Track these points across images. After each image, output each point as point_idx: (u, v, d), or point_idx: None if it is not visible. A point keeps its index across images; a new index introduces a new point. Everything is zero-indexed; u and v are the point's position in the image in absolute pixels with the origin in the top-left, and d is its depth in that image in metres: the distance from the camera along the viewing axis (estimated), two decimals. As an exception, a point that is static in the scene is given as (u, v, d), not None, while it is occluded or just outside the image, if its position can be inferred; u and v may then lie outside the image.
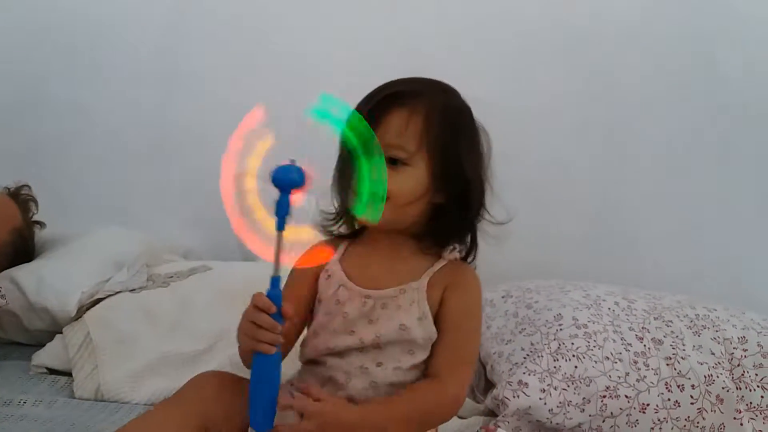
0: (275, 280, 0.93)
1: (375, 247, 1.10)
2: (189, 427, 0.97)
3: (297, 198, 0.91)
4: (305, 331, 1.12)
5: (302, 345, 1.09)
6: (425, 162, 1.03)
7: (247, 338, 0.92)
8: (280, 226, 0.91)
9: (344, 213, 1.10)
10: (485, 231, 1.10)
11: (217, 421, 0.99)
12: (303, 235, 0.96)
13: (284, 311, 0.92)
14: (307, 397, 0.94)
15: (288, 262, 0.95)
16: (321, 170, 1.04)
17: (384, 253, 1.08)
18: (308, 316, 1.11)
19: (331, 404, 0.96)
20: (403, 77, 1.08)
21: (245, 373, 0.99)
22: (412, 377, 1.05)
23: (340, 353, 1.05)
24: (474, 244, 1.10)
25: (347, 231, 1.13)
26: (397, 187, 1.01)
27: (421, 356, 1.04)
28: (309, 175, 0.91)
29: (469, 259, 1.11)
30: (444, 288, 1.05)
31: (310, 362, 1.09)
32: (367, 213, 0.95)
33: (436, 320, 1.05)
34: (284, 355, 1.08)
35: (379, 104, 1.03)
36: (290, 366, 1.09)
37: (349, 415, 0.96)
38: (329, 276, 1.09)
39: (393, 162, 1.01)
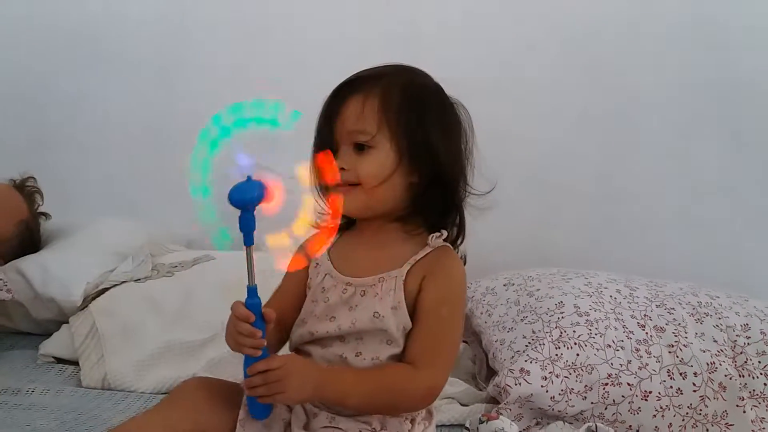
0: (251, 290, 0.94)
1: (362, 236, 1.09)
2: None
3: (270, 207, 0.91)
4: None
5: (291, 333, 1.10)
6: (389, 141, 1.02)
7: (233, 343, 0.96)
8: (249, 242, 0.92)
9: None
10: (469, 203, 1.08)
11: (206, 426, 0.99)
12: (281, 242, 0.96)
13: (266, 316, 0.94)
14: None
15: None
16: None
17: (370, 242, 1.08)
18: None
19: (297, 361, 0.98)
20: (366, 68, 1.07)
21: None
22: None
23: (322, 342, 1.05)
24: (462, 224, 1.09)
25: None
26: (364, 171, 1.01)
27: (399, 347, 1.03)
28: (269, 186, 0.90)
29: (459, 241, 1.10)
30: (423, 276, 1.04)
31: (297, 351, 1.09)
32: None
33: (414, 309, 1.03)
34: (282, 343, 1.10)
35: (335, 96, 1.04)
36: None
37: (314, 373, 0.97)
38: (317, 265, 1.10)
39: (359, 148, 1.02)
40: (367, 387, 0.99)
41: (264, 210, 0.91)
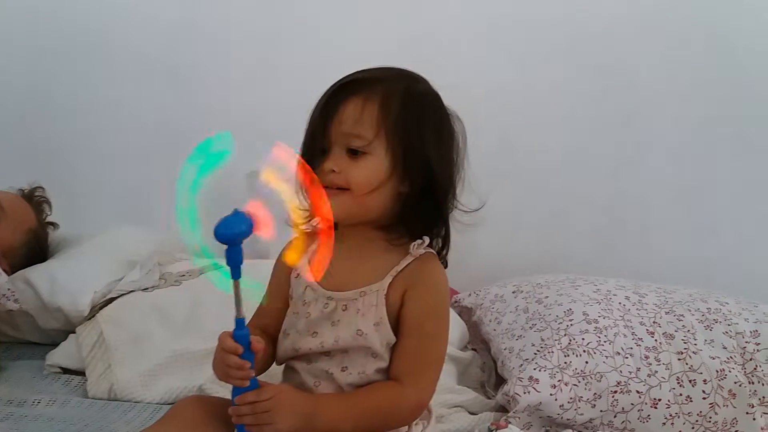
0: (239, 322, 0.93)
1: (345, 244, 1.04)
2: None
3: (264, 233, 0.89)
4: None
5: (277, 344, 1.08)
6: (385, 149, 1.00)
7: (220, 374, 0.95)
8: (236, 276, 0.90)
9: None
10: (456, 219, 1.06)
11: None
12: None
13: (253, 347, 0.93)
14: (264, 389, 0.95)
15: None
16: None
17: (353, 252, 1.05)
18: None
19: (287, 392, 0.97)
20: (368, 67, 1.06)
21: None
22: (380, 381, 1.03)
23: (307, 358, 1.04)
24: (447, 236, 1.07)
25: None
26: (356, 178, 0.99)
27: (385, 361, 1.02)
28: (256, 219, 0.88)
29: (444, 252, 1.08)
30: (405, 290, 1.02)
31: (286, 367, 1.09)
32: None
33: (397, 322, 1.02)
34: (268, 356, 1.08)
35: (334, 95, 1.01)
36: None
37: (303, 405, 0.96)
38: (298, 275, 1.08)
39: (353, 153, 1.00)
40: (357, 412, 0.98)
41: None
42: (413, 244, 1.03)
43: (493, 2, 2.16)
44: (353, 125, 1.00)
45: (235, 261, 0.90)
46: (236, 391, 0.94)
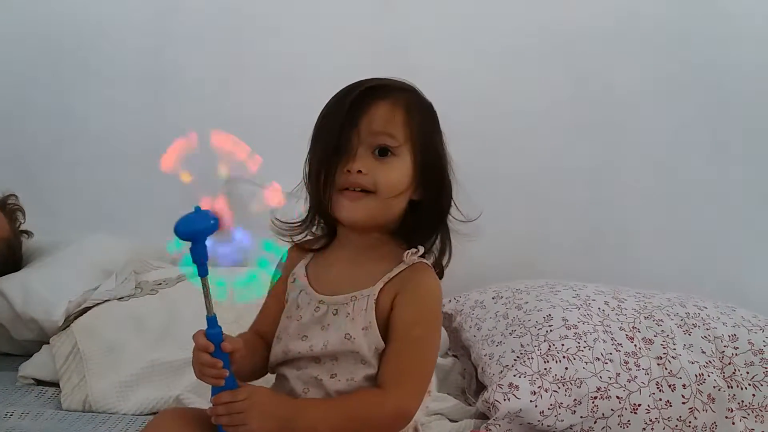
0: (211, 320, 0.93)
1: (343, 250, 1.07)
2: None
3: (222, 235, 0.90)
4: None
5: (272, 350, 1.08)
6: (410, 154, 1.01)
7: (197, 372, 0.96)
8: (203, 273, 0.91)
9: (318, 213, 1.08)
10: (456, 230, 1.08)
11: None
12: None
13: (223, 348, 0.93)
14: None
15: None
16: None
17: (351, 258, 1.06)
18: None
19: (262, 394, 0.96)
20: (374, 77, 1.06)
21: None
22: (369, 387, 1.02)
23: (296, 364, 1.04)
24: (448, 245, 1.08)
25: (322, 232, 1.11)
26: (385, 179, 0.99)
27: (373, 368, 1.01)
28: (219, 215, 0.89)
29: (444, 260, 1.08)
30: (395, 294, 1.01)
31: (277, 375, 1.08)
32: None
33: (387, 328, 1.01)
34: (266, 363, 1.09)
35: (361, 95, 1.01)
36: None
37: (280, 409, 0.96)
38: (294, 280, 1.08)
39: (382, 153, 1.00)
40: (336, 418, 0.97)
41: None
42: (407, 252, 1.03)
43: (472, 9, 2.16)
44: (385, 125, 1.00)
45: (200, 258, 0.89)
46: (213, 390, 0.94)
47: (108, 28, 2.30)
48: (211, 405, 0.94)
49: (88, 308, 1.63)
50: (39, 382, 1.51)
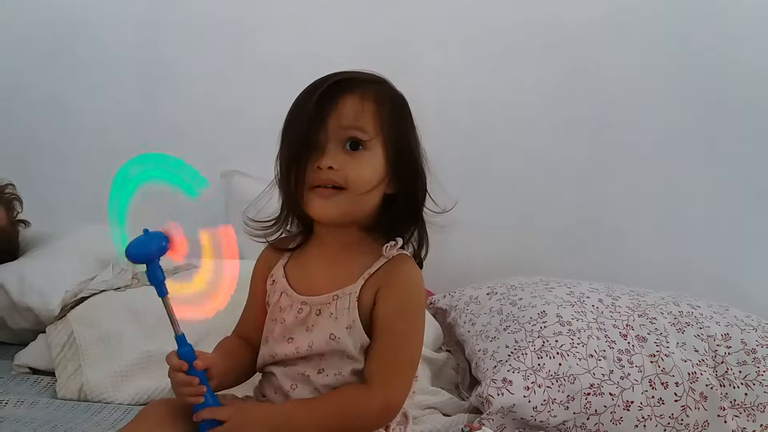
0: (180, 339, 0.93)
1: (320, 247, 1.06)
2: None
3: (176, 255, 0.89)
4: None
5: (259, 354, 1.09)
6: (382, 148, 1.00)
7: (175, 392, 0.96)
8: (162, 293, 0.91)
9: (292, 212, 1.07)
10: (432, 222, 1.07)
11: None
12: (187, 290, 0.96)
13: (195, 366, 0.93)
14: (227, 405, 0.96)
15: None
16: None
17: (328, 255, 1.05)
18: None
19: (245, 412, 0.96)
20: (343, 70, 1.04)
21: None
22: (355, 382, 1.02)
23: (284, 362, 1.04)
24: (424, 237, 1.07)
25: (297, 230, 1.10)
26: (356, 174, 0.98)
27: (360, 363, 1.01)
28: (169, 236, 0.88)
29: (423, 253, 1.07)
30: (377, 289, 1.00)
31: (265, 373, 1.09)
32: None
33: (370, 323, 1.01)
34: (254, 365, 1.10)
35: (329, 89, 0.99)
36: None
37: (266, 419, 0.96)
38: (274, 281, 1.08)
39: (354, 147, 0.98)
40: (322, 419, 0.97)
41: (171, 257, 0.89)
42: (386, 245, 1.03)
43: (466, 5, 2.17)
44: (355, 119, 0.98)
45: (156, 279, 0.90)
46: (195, 408, 0.94)
47: (102, 21, 2.31)
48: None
49: (84, 298, 1.63)
50: (34, 371, 1.51)
